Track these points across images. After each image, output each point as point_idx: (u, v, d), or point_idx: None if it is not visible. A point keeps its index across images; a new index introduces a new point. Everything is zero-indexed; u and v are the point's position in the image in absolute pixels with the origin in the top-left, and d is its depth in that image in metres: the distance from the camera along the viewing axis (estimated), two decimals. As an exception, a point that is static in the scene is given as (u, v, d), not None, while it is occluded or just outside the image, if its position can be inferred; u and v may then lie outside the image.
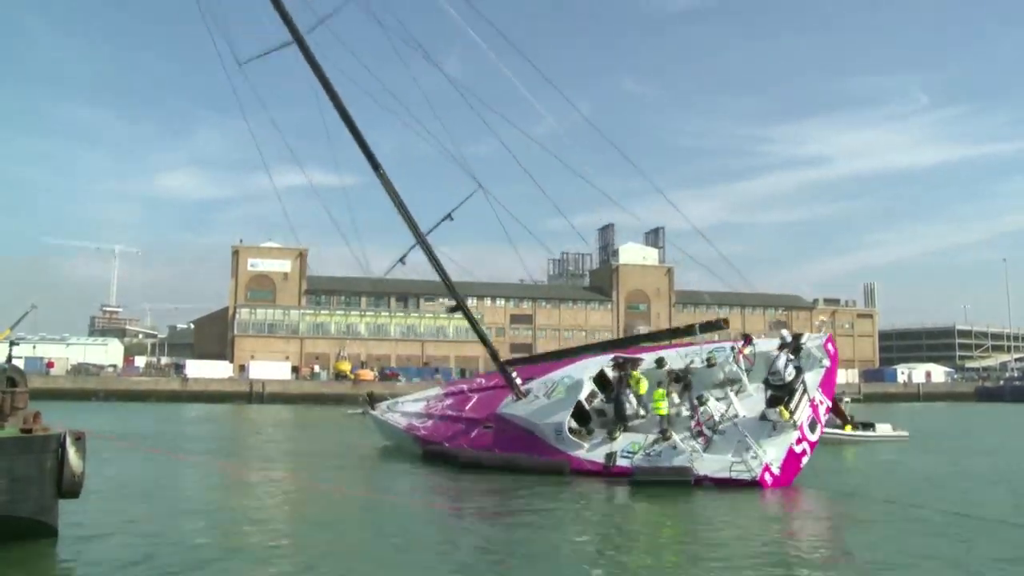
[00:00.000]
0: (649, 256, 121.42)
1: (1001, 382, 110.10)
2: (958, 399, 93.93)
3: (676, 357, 21.70)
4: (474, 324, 26.95)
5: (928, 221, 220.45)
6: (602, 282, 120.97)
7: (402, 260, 24.98)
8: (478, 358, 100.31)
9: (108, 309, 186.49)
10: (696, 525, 14.26)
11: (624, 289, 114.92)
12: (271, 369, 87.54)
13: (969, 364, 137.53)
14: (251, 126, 23.71)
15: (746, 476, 17.34)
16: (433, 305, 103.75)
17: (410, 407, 27.74)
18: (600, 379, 22.27)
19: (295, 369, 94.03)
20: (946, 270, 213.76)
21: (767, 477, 17.34)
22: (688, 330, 22.40)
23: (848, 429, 31.14)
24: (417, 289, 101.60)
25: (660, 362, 21.77)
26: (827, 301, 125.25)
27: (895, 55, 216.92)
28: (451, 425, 24.58)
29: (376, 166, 22.68)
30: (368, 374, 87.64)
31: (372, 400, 30.17)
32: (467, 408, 25.03)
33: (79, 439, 10.67)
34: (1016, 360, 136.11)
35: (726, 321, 23.02)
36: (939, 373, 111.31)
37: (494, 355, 25.51)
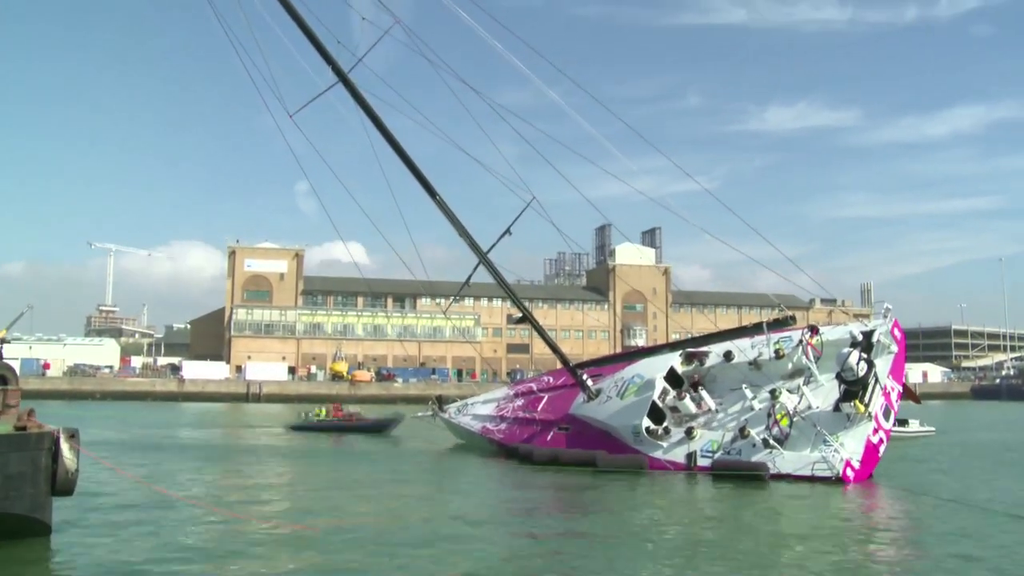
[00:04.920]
0: (646, 256, 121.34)
1: (997, 381, 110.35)
2: (954, 398, 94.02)
3: (745, 349, 21.83)
4: (542, 333, 27.65)
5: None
6: (599, 282, 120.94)
7: (467, 283, 25.83)
8: (474, 358, 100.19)
9: (104, 309, 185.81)
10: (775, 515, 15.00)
11: (621, 289, 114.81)
12: (268, 370, 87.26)
13: (965, 364, 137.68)
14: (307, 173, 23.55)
15: (828, 473, 17.57)
16: (429, 305, 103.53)
17: (481, 409, 28.15)
18: (671, 376, 22.36)
19: (291, 370, 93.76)
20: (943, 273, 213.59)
21: (849, 472, 17.52)
22: (756, 328, 22.64)
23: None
24: (413, 290, 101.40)
25: (728, 355, 21.98)
26: (824, 301, 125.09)
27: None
28: (526, 427, 24.90)
29: (433, 193, 22.86)
30: (365, 375, 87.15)
31: (441, 403, 30.63)
32: (539, 409, 25.32)
33: (73, 437, 10.63)
34: (1012, 359, 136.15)
35: (793, 318, 23.39)
36: (936, 373, 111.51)
37: (565, 361, 26.10)
